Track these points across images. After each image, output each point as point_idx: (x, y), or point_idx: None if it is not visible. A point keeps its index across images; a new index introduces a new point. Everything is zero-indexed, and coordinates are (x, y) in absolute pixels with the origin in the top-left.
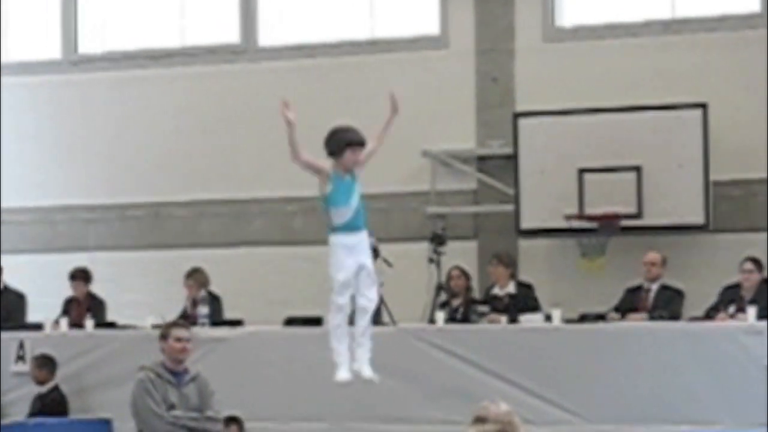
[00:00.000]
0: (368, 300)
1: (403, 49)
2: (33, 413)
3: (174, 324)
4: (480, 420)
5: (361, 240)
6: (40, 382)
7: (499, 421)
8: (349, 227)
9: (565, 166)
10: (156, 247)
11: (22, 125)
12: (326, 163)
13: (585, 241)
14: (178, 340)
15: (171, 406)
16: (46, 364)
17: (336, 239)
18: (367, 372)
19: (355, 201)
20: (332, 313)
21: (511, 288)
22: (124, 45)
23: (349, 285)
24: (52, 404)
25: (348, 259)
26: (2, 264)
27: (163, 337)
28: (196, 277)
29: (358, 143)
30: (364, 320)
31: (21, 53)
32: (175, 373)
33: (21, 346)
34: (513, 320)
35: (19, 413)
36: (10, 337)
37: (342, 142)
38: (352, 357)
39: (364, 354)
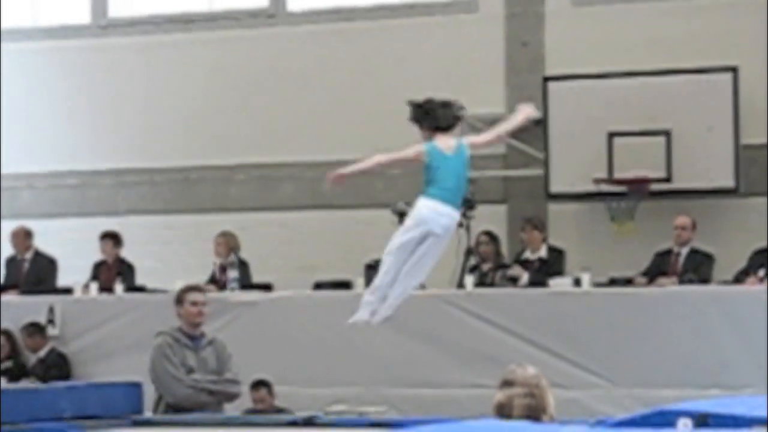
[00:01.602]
0: (432, 255)
1: (432, 13)
2: (38, 377)
3: (189, 288)
4: (508, 383)
5: (451, 217)
6: (35, 350)
7: (527, 384)
8: (447, 199)
9: (595, 130)
10: (186, 212)
11: (52, 90)
12: (417, 147)
13: (614, 205)
14: (194, 304)
15: (190, 370)
16: (35, 331)
17: (427, 202)
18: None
19: (461, 177)
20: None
21: (542, 252)
22: (153, 9)
23: (421, 234)
24: (52, 367)
25: (430, 214)
26: (34, 229)
27: (179, 301)
28: (226, 240)
29: (446, 128)
30: (420, 271)
31: (51, 18)
32: (192, 337)
33: (51, 310)
34: (543, 284)
35: None
36: (41, 301)
37: (432, 122)
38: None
39: (394, 298)
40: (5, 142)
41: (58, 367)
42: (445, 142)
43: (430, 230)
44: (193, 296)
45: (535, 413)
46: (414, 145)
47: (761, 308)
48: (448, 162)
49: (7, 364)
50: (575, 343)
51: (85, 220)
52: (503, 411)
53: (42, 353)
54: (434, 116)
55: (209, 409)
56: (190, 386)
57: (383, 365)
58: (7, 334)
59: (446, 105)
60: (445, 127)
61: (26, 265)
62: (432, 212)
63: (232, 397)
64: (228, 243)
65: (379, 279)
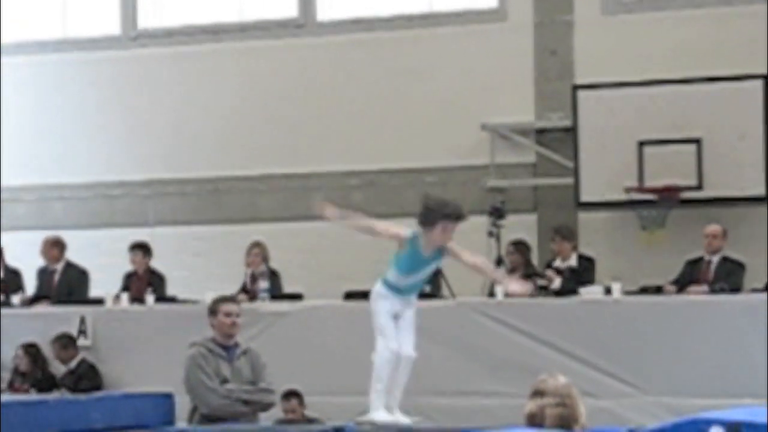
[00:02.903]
0: (408, 344)
1: (461, 22)
2: (69, 389)
3: (223, 299)
4: (539, 393)
5: (406, 305)
6: (65, 361)
7: (558, 394)
8: (397, 290)
9: (625, 138)
10: (216, 222)
11: (83, 101)
12: (406, 231)
13: (645, 213)
14: (228, 314)
15: (224, 380)
16: (68, 342)
17: (378, 289)
18: (403, 420)
19: (421, 278)
20: (380, 359)
21: (573, 261)
22: (182, 20)
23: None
24: (83, 377)
25: (386, 303)
26: (65, 240)
27: (213, 312)
28: (257, 250)
29: (456, 218)
30: (407, 368)
31: (81, 29)
32: (225, 347)
33: (83, 321)
34: (573, 293)
35: None
36: (72, 312)
37: (437, 215)
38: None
39: (396, 401)
40: (37, 153)
41: (89, 378)
42: (430, 241)
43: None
44: (227, 307)
45: (566, 423)
46: (403, 228)
47: None
48: (419, 261)
49: (36, 375)
50: (606, 352)
51: (115, 230)
52: (535, 421)
53: (73, 364)
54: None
55: (244, 420)
56: (225, 396)
57: (414, 374)
58: (31, 346)
59: (438, 204)
60: (425, 223)
61: (57, 276)
62: (388, 303)
63: (266, 406)
64: (259, 253)
65: (391, 344)
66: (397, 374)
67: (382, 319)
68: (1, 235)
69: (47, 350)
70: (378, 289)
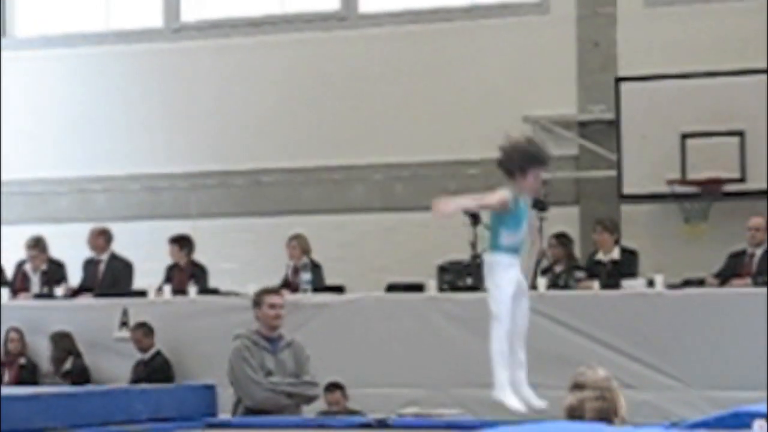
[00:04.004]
0: (525, 316)
1: (504, 14)
2: (136, 379)
3: (267, 291)
4: (578, 386)
5: (517, 263)
6: (144, 349)
7: (598, 387)
8: (513, 250)
9: (668, 130)
10: (258, 214)
11: (126, 93)
12: (503, 192)
13: (687, 206)
14: (272, 306)
15: (268, 373)
16: (150, 331)
17: (499, 258)
18: (536, 401)
19: (524, 231)
20: (497, 337)
21: (615, 254)
22: (225, 13)
23: (513, 298)
24: (157, 370)
25: (510, 272)
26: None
27: (257, 304)
28: (298, 242)
29: (545, 163)
30: (521, 340)
31: (124, 22)
32: (270, 339)
33: (125, 312)
34: (615, 286)
35: (120, 379)
36: (114, 303)
37: (529, 161)
38: (513, 381)
39: (524, 377)
40: (80, 145)
41: (162, 371)
42: (523, 190)
43: (519, 279)
44: (271, 299)
45: (606, 416)
46: (498, 191)
47: None
48: (522, 213)
49: (67, 366)
50: (648, 345)
51: (158, 222)
52: (575, 414)
53: (148, 355)
54: (532, 157)
55: (287, 412)
56: (269, 389)
57: (456, 366)
58: (63, 336)
59: (527, 148)
60: (514, 172)
61: (102, 267)
62: (508, 267)
63: (310, 399)
64: (300, 245)
65: (505, 324)
66: (514, 347)
67: (504, 296)
68: (43, 227)
69: (84, 342)
70: (494, 258)
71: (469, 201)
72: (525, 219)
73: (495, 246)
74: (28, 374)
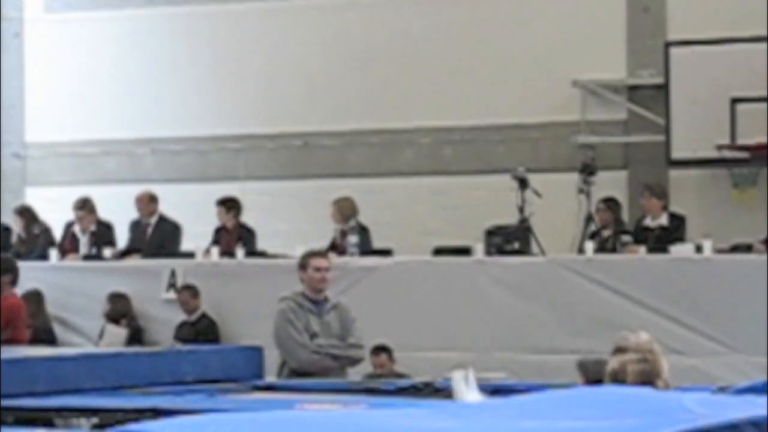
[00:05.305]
0: None
1: None
2: (183, 340)
3: (313, 253)
4: (620, 350)
5: None
6: (190, 311)
7: (640, 350)
8: None
9: (717, 95)
10: (305, 177)
11: (176, 56)
12: None
13: (737, 171)
14: (318, 270)
15: (313, 335)
16: (196, 293)
17: None
18: None
19: None
20: None
21: (663, 220)
22: None
23: None
24: (203, 332)
25: None
26: (156, 194)
27: (302, 267)
28: (340, 206)
29: None
30: None
31: None
32: (315, 302)
33: (173, 274)
34: (663, 251)
35: (168, 340)
36: (163, 265)
37: None
38: None
39: None
40: (128, 107)
41: (209, 333)
42: None
43: None
44: (317, 262)
45: (649, 379)
46: None
47: None
48: None
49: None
50: (696, 310)
51: (206, 185)
52: (617, 377)
53: (194, 317)
54: None
55: (333, 374)
56: (314, 351)
57: (503, 330)
58: (120, 297)
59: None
60: None
61: (150, 230)
62: None
63: (355, 361)
64: (342, 210)
65: None
66: None
67: None
68: (92, 188)
69: (136, 303)
70: None
71: None
72: None
73: None
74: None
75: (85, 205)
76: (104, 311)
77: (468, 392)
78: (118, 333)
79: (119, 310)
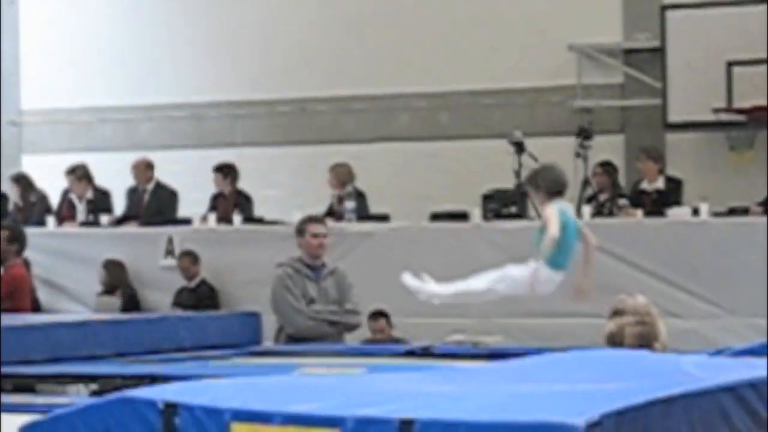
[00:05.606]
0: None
1: None
2: (182, 306)
3: (310, 219)
4: (618, 313)
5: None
6: (190, 277)
7: (637, 313)
8: (561, 266)
9: (714, 58)
10: (302, 143)
11: (170, 23)
12: (552, 221)
13: (733, 134)
14: (315, 236)
15: (310, 301)
16: (196, 259)
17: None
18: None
19: (574, 245)
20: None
21: (660, 183)
22: None
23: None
24: (202, 298)
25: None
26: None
27: (300, 232)
28: (336, 172)
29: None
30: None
31: None
32: (313, 267)
33: (170, 241)
34: (660, 214)
35: (166, 307)
36: (160, 232)
37: (561, 186)
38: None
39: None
40: (125, 74)
41: (209, 299)
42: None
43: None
44: (314, 227)
45: (646, 341)
46: (550, 214)
47: None
48: (572, 226)
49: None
50: (693, 273)
51: (202, 151)
52: (614, 340)
53: (193, 283)
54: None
55: (330, 340)
56: (311, 317)
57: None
58: (116, 264)
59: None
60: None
61: (147, 197)
62: (551, 284)
63: (352, 327)
64: (338, 175)
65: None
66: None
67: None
68: (88, 155)
69: (131, 270)
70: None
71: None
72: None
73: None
74: None
75: (74, 171)
76: (100, 279)
77: (424, 285)
78: (110, 302)
79: (114, 277)
